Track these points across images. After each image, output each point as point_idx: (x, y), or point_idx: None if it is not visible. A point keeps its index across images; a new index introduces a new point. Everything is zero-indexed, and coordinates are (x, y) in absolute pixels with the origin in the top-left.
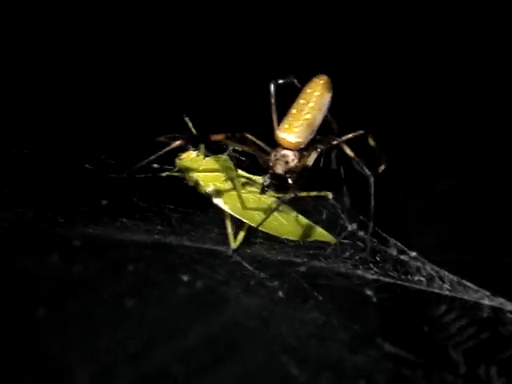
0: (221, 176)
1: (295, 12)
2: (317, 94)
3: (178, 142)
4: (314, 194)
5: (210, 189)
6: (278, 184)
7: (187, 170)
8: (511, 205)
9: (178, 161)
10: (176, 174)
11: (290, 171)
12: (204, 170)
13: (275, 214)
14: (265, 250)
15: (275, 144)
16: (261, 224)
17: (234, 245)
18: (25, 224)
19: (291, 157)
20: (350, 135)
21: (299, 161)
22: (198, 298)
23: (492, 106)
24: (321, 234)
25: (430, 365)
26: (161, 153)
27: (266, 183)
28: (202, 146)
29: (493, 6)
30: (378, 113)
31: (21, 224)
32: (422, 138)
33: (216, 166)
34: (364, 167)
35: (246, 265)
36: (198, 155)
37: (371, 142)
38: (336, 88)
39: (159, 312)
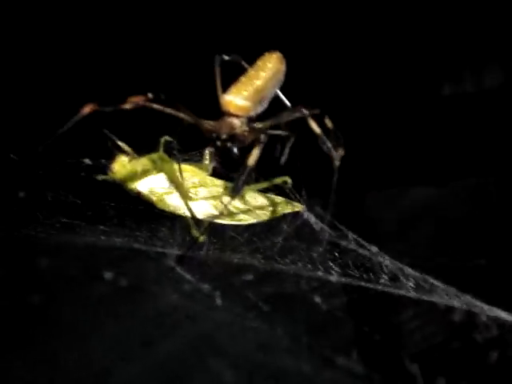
0: (163, 178)
1: None
2: (269, 65)
3: (87, 108)
4: (270, 183)
5: (155, 197)
6: (222, 153)
7: (124, 180)
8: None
9: (111, 174)
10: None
11: (235, 138)
12: (142, 177)
13: (232, 202)
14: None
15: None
16: (219, 218)
17: (201, 239)
18: None
19: (238, 124)
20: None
21: (247, 130)
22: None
23: (468, 117)
24: (287, 205)
25: (383, 378)
26: (70, 125)
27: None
28: (130, 150)
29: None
30: (354, 117)
31: None
32: (400, 145)
33: (154, 168)
34: (331, 148)
35: (188, 276)
36: (130, 161)
37: (328, 123)
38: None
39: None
